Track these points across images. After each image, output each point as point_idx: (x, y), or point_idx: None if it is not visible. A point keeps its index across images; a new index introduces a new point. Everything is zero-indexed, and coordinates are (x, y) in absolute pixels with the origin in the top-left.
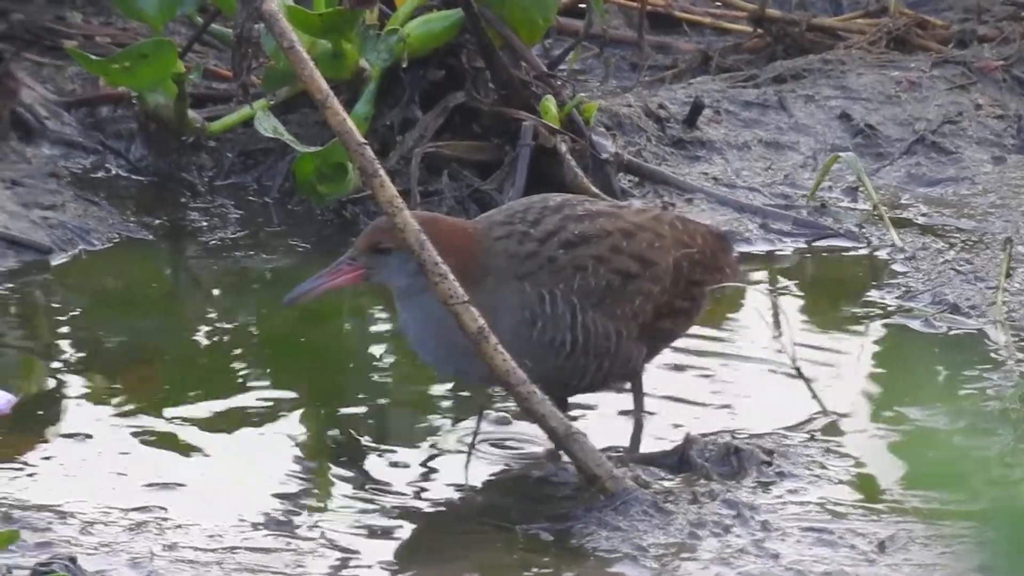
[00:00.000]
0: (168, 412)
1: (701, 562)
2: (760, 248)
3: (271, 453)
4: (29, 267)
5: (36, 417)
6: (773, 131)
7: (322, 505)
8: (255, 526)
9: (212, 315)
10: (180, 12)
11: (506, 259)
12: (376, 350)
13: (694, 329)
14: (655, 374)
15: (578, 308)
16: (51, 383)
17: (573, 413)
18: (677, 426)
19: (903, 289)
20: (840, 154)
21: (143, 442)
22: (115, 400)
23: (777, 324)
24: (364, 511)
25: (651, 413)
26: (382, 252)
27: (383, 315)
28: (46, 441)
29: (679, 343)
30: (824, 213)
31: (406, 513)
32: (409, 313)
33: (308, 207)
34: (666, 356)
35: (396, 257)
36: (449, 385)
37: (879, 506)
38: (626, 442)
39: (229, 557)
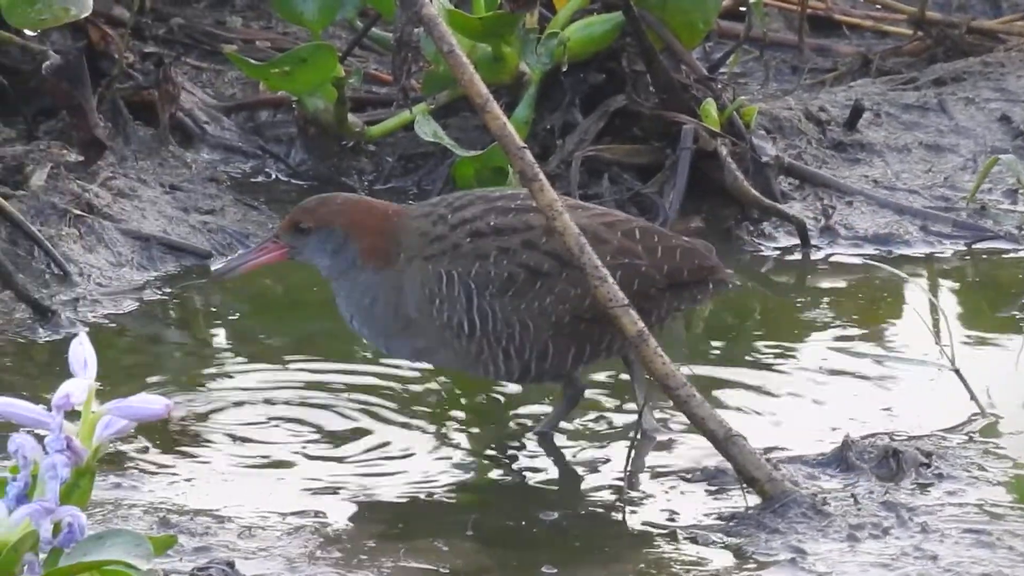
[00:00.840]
0: (328, 415)
1: (860, 564)
2: (920, 250)
3: (432, 456)
4: (188, 271)
5: (194, 421)
6: (933, 134)
7: (484, 505)
8: (414, 529)
9: None
10: (340, 16)
11: (418, 238)
12: None
13: (854, 330)
14: (813, 376)
15: (475, 293)
16: (210, 387)
17: (727, 415)
18: (835, 428)
19: None
20: (1000, 156)
21: (302, 446)
22: (274, 404)
23: (936, 325)
24: (522, 507)
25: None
26: (303, 232)
27: None
28: (205, 445)
29: (839, 343)
30: (984, 215)
31: (565, 512)
32: (336, 293)
33: None
34: (826, 357)
35: (315, 237)
36: (607, 385)
37: None
38: (783, 444)
39: (386, 560)
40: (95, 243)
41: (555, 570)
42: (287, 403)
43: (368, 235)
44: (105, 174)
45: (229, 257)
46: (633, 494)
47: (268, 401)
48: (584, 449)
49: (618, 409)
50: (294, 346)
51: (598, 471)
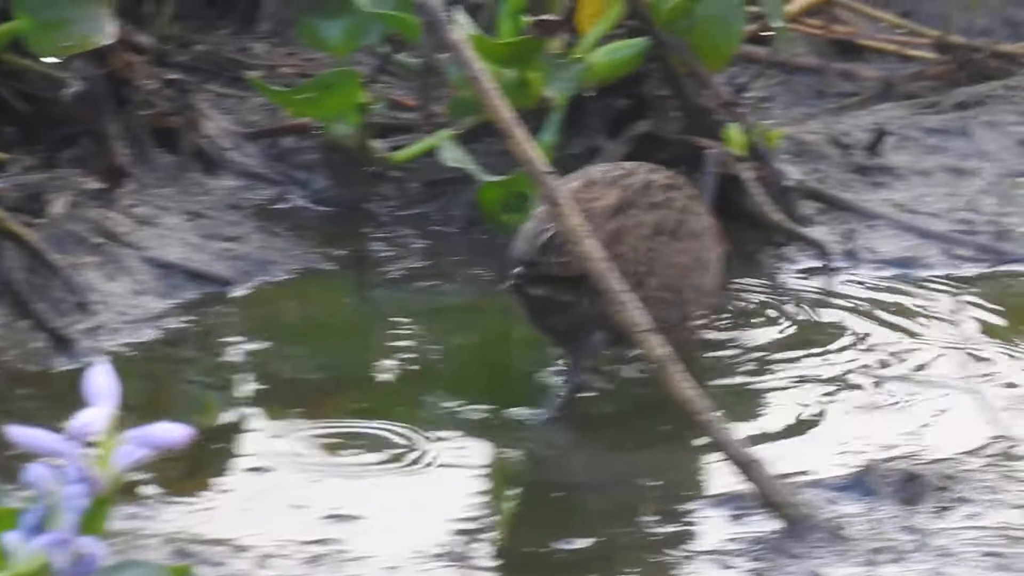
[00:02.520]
0: (348, 444)
1: None
2: (942, 273)
3: (453, 484)
4: (210, 299)
5: (214, 450)
6: (955, 157)
7: (502, 537)
8: (433, 558)
9: (395, 346)
10: (365, 42)
11: None
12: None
13: (874, 353)
14: (833, 399)
15: None
16: (230, 415)
17: (748, 439)
18: (856, 452)
19: None
20: (1022, 179)
21: (322, 474)
22: (295, 432)
23: (960, 348)
24: (541, 533)
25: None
26: None
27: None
28: (224, 474)
29: (860, 366)
30: (1006, 239)
31: (583, 536)
32: None
33: (492, 237)
34: (846, 380)
35: None
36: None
37: None
38: (804, 468)
39: None
40: (115, 271)
41: None
42: (308, 431)
43: None
44: (126, 201)
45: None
46: (654, 518)
47: (289, 428)
48: (601, 465)
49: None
50: (316, 374)
51: (614, 492)
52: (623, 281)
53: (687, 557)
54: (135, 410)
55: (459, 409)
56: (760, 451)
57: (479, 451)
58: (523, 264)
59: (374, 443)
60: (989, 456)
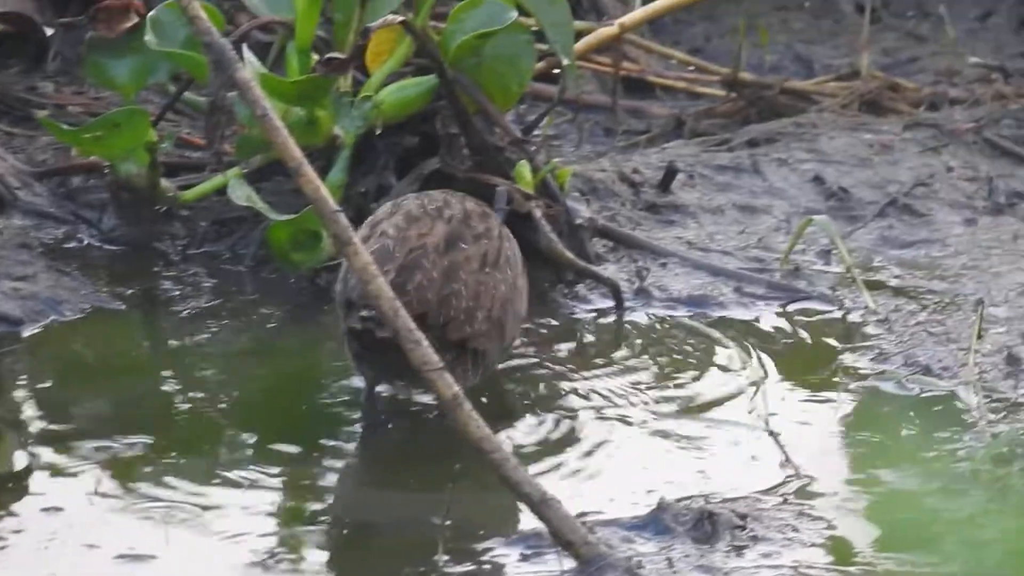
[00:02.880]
0: (141, 483)
1: None
2: (734, 311)
3: (246, 524)
4: (0, 338)
5: (6, 490)
6: (747, 195)
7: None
8: None
9: (186, 385)
10: (153, 80)
11: None
12: (350, 414)
13: (668, 392)
14: (628, 437)
15: None
16: (22, 455)
17: (542, 477)
18: (651, 491)
19: (876, 351)
20: (813, 217)
21: (115, 514)
22: (87, 472)
23: (751, 387)
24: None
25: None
26: None
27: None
28: (16, 515)
29: (654, 405)
30: (798, 276)
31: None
32: None
33: (282, 275)
34: (641, 419)
35: None
36: (436, 452)
37: (852, 569)
38: (599, 507)
39: None
40: None
41: None
42: (100, 470)
43: None
44: None
45: None
46: (446, 557)
47: (81, 468)
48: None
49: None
50: (107, 414)
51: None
52: (413, 321)
53: None
54: None
55: (253, 447)
56: (554, 489)
57: (274, 488)
58: (368, 307)
59: (167, 481)
60: (783, 495)
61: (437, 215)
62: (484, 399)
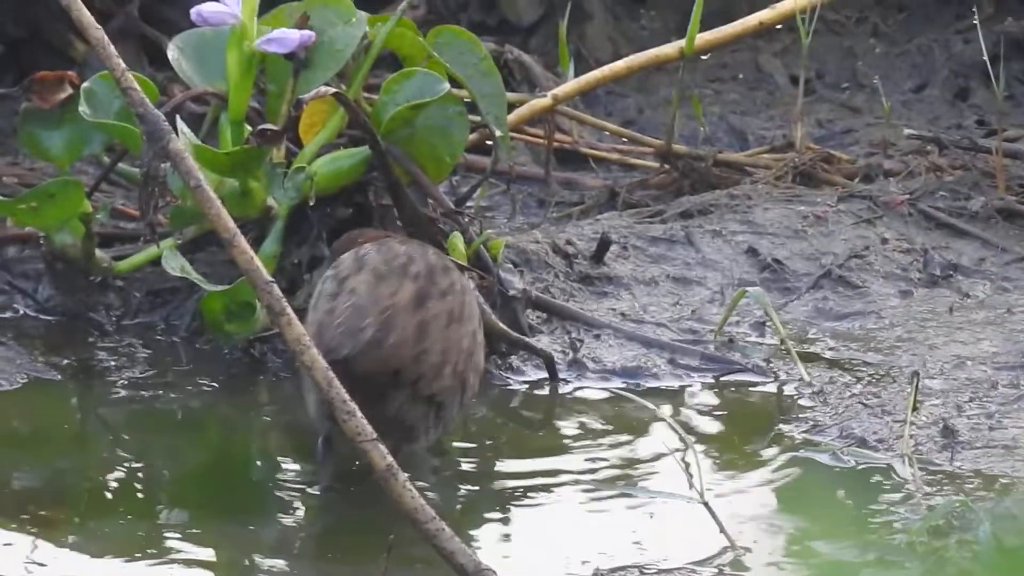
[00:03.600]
0: (77, 555)
1: None
2: (668, 383)
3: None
4: None
5: None
6: (680, 266)
7: None
8: None
9: (121, 455)
10: (87, 152)
11: None
12: (285, 487)
13: (602, 463)
14: (563, 508)
15: None
16: None
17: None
18: (585, 561)
19: (811, 423)
20: (747, 289)
21: None
22: (22, 543)
23: (685, 458)
24: None
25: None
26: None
27: (291, 455)
28: None
29: (588, 476)
30: (732, 348)
31: None
32: None
33: (216, 346)
34: (575, 490)
35: None
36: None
37: None
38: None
39: None
40: None
41: None
42: (35, 542)
43: None
44: None
45: None
46: None
47: (16, 539)
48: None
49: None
50: (42, 485)
51: None
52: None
53: None
54: None
55: (187, 520)
56: (488, 560)
57: (207, 563)
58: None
59: (103, 553)
60: (718, 566)
61: (403, 273)
62: (415, 471)
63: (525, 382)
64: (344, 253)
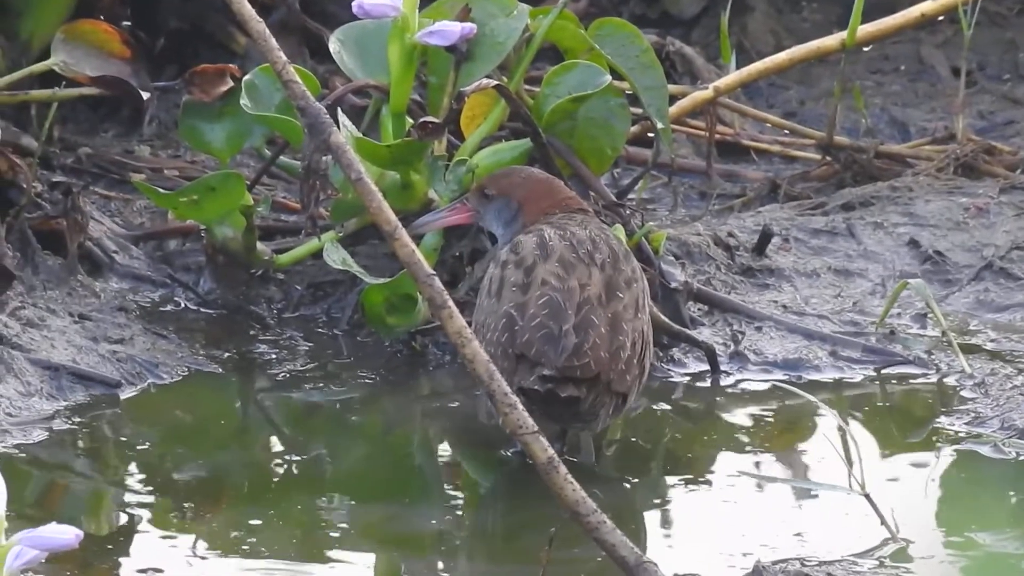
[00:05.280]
0: (240, 546)
1: None
2: (829, 375)
3: None
4: (98, 401)
5: (106, 552)
6: (842, 258)
7: None
8: None
9: (282, 448)
10: (248, 144)
11: None
12: (447, 481)
13: (764, 455)
14: (724, 500)
15: None
16: (121, 517)
17: (639, 541)
18: (747, 553)
19: (972, 415)
20: (909, 281)
21: None
22: (186, 534)
23: (847, 450)
24: None
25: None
26: (487, 198)
27: (453, 447)
28: None
29: (750, 468)
30: (893, 340)
31: None
32: None
33: (377, 339)
34: (737, 482)
35: (495, 204)
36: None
37: None
38: (696, 570)
39: None
40: (4, 373)
41: None
42: (199, 533)
43: (534, 214)
44: (14, 304)
45: (427, 215)
46: None
47: (179, 531)
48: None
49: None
50: (204, 476)
51: None
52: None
53: None
54: (26, 512)
55: (349, 513)
56: (649, 552)
57: (370, 555)
58: (550, 370)
59: (265, 546)
60: (879, 558)
61: (590, 260)
62: (577, 461)
63: (687, 374)
64: (500, 191)
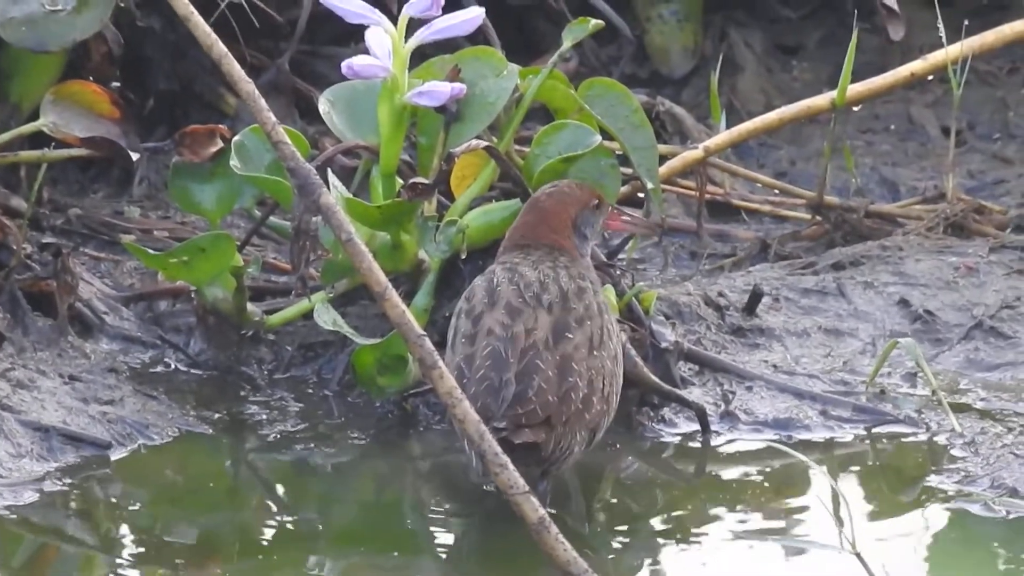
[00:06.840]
0: None
1: None
2: (820, 435)
3: None
4: (89, 462)
5: None
6: (832, 318)
7: None
8: None
9: (273, 509)
10: (238, 205)
11: None
12: (438, 542)
13: (755, 515)
14: (715, 560)
15: None
16: None
17: None
18: None
19: (962, 473)
20: (899, 340)
21: None
22: None
23: (838, 510)
24: None
25: None
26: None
27: (445, 506)
28: None
29: (741, 528)
30: (884, 399)
31: None
32: None
33: (368, 400)
34: (728, 542)
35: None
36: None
37: None
38: None
39: None
40: None
41: None
42: None
43: (511, 240)
44: (4, 365)
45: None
46: None
47: None
48: None
49: None
50: (195, 538)
51: None
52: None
53: None
54: (15, 573)
55: (343, 572)
56: None
57: None
58: (496, 421)
59: None
60: None
61: (536, 303)
62: (568, 521)
63: (677, 434)
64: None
